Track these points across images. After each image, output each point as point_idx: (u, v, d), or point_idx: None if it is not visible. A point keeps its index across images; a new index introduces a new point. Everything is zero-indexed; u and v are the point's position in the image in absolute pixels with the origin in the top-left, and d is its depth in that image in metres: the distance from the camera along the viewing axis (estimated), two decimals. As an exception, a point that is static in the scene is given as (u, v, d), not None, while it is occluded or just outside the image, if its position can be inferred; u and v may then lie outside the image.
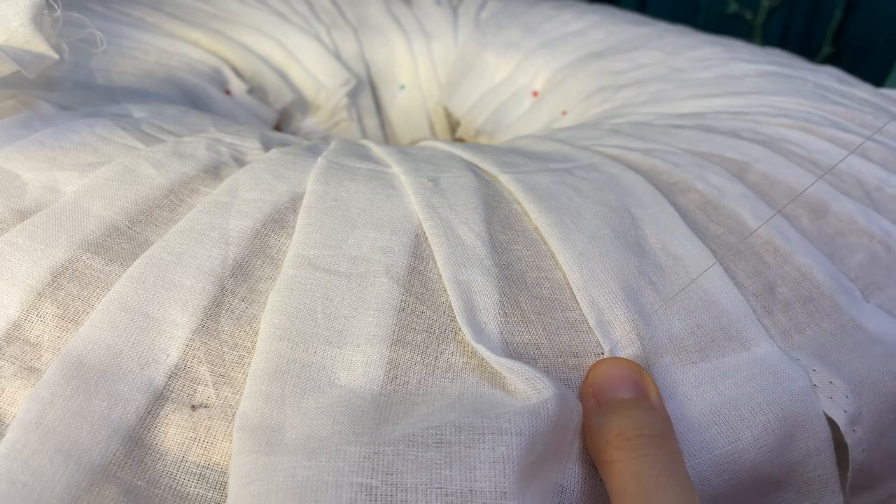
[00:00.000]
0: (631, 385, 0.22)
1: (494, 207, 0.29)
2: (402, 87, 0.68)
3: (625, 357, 0.23)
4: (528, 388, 0.20)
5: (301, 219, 0.27)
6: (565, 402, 0.20)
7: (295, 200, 0.28)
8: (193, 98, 0.51)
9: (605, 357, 0.23)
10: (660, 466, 0.20)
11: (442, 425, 0.18)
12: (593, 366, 0.23)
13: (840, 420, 0.24)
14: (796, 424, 0.23)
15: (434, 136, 0.69)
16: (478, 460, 0.17)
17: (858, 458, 0.24)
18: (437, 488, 0.17)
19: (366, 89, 0.66)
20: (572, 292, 0.25)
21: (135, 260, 0.24)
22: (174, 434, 0.20)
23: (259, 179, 0.29)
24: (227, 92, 0.56)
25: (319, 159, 0.31)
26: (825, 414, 0.24)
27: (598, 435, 0.21)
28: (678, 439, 0.22)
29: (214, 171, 0.30)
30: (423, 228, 0.27)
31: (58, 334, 0.22)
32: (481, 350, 0.22)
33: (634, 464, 0.20)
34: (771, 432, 0.23)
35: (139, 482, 0.19)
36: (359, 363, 0.22)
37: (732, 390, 0.24)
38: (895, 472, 0.26)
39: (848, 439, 0.24)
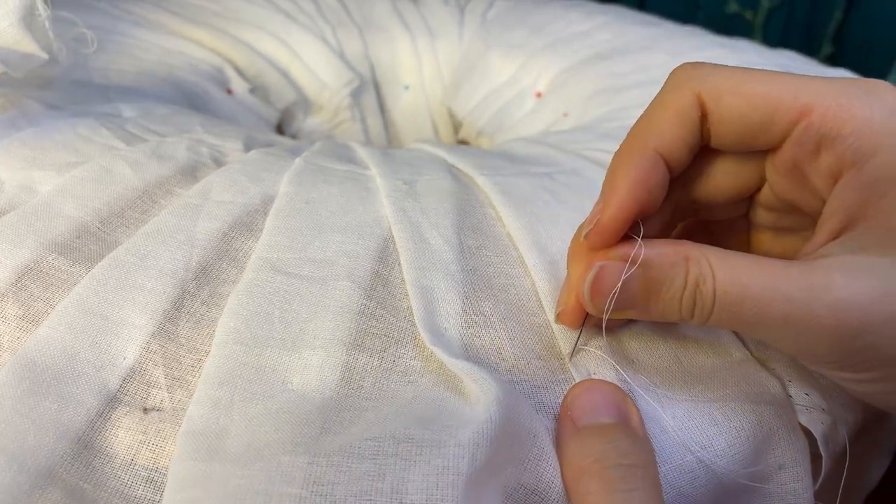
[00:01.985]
0: (613, 409, 0.21)
1: (468, 211, 0.28)
2: (407, 87, 0.68)
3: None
4: (477, 389, 0.20)
5: (269, 221, 0.27)
6: (512, 403, 0.20)
7: (266, 203, 0.28)
8: (193, 98, 0.51)
9: (584, 379, 0.22)
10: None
11: (381, 436, 0.18)
12: (571, 388, 0.22)
13: (817, 433, 0.23)
14: (771, 433, 0.23)
15: (437, 136, 0.68)
16: (412, 472, 0.17)
17: (827, 471, 0.24)
18: (366, 500, 0.16)
19: (369, 89, 0.66)
20: (539, 299, 0.25)
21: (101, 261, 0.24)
22: (124, 437, 0.21)
23: (233, 181, 0.29)
24: (229, 91, 0.56)
25: (297, 160, 0.31)
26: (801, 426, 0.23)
27: (574, 461, 0.20)
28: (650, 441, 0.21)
29: (191, 173, 0.30)
30: (392, 233, 0.27)
31: (18, 335, 0.22)
32: (438, 352, 0.21)
33: (610, 499, 0.18)
34: (745, 439, 0.22)
35: (85, 485, 0.19)
36: (313, 367, 0.22)
37: (705, 394, 0.23)
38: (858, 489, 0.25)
39: (823, 452, 0.23)
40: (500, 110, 0.61)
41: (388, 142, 0.67)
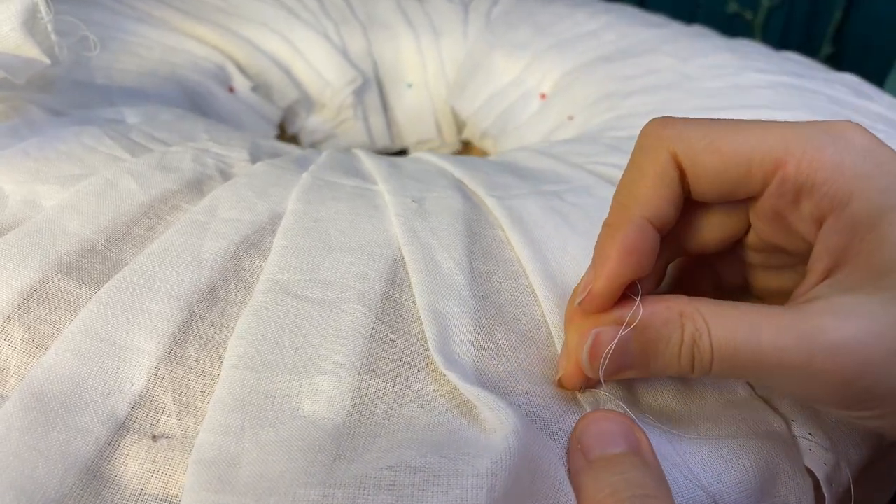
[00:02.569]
0: (622, 439, 0.20)
1: (478, 234, 0.28)
2: (410, 85, 0.67)
3: (610, 407, 0.23)
4: (493, 418, 0.20)
5: (278, 240, 0.26)
6: (530, 435, 0.19)
7: (274, 220, 0.28)
8: (195, 97, 0.51)
9: (591, 411, 0.22)
10: None
11: (397, 465, 0.18)
12: (579, 420, 0.22)
13: (820, 475, 0.23)
14: (777, 471, 0.23)
15: (441, 135, 0.68)
16: (429, 503, 0.17)
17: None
18: None
19: (373, 87, 0.65)
20: (549, 332, 0.25)
21: (107, 282, 0.24)
22: (134, 466, 0.20)
23: (240, 197, 0.28)
24: (231, 89, 0.55)
25: (304, 175, 0.31)
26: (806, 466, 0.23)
27: (589, 495, 0.19)
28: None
29: (197, 186, 0.30)
30: (402, 254, 0.26)
31: (24, 359, 0.22)
32: (452, 377, 0.21)
33: None
34: (753, 476, 0.22)
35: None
36: (324, 393, 0.21)
37: (713, 431, 0.23)
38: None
39: (826, 493, 0.23)
40: (504, 112, 0.61)
41: (392, 140, 0.66)
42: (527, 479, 0.19)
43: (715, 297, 0.21)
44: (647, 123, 0.23)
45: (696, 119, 0.22)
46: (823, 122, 0.21)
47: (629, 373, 0.22)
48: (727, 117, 0.40)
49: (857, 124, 0.20)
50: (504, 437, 0.18)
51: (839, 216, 0.20)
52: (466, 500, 0.17)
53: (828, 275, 0.20)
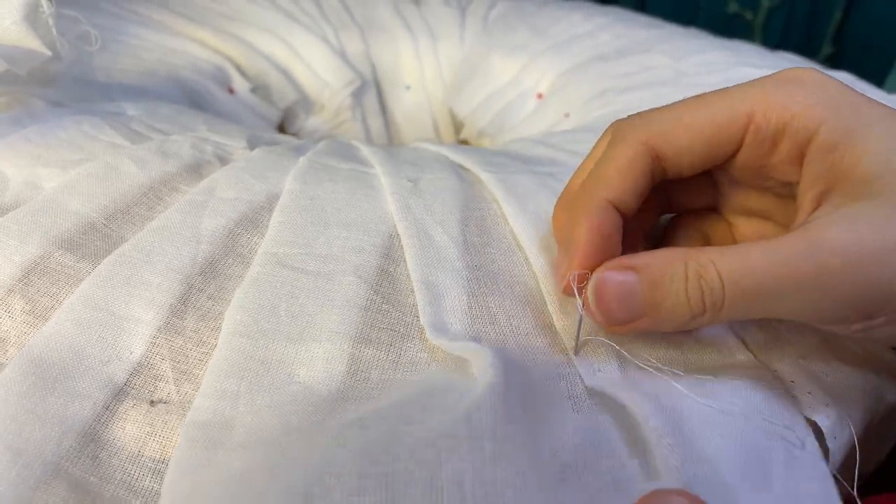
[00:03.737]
0: None
1: (472, 208, 0.28)
2: (408, 87, 0.68)
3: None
4: (479, 363, 0.20)
5: (275, 217, 0.27)
6: (512, 366, 0.20)
7: (271, 200, 0.28)
8: (195, 96, 0.51)
9: (656, 490, 0.22)
10: None
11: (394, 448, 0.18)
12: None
13: (824, 426, 0.23)
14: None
15: (438, 137, 0.68)
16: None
17: (836, 467, 0.24)
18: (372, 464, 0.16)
19: (371, 89, 0.66)
20: (543, 299, 0.25)
21: (107, 257, 0.24)
22: (131, 429, 0.21)
23: (238, 178, 0.29)
24: (231, 90, 0.56)
25: (301, 159, 0.31)
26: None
27: None
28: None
29: (196, 170, 0.30)
30: (396, 229, 0.27)
31: (25, 330, 0.22)
32: (441, 343, 0.21)
33: None
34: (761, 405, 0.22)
35: (91, 478, 0.19)
36: (319, 359, 0.22)
37: (714, 387, 0.23)
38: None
39: (830, 444, 0.23)
40: (501, 111, 0.61)
41: (390, 141, 0.67)
42: (521, 397, 0.19)
43: None
44: (616, 121, 0.24)
45: (662, 107, 0.23)
46: (777, 72, 0.22)
47: (641, 322, 0.22)
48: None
49: (806, 68, 0.22)
50: (483, 372, 0.19)
51: (815, 145, 0.21)
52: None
53: (819, 202, 0.21)
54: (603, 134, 0.25)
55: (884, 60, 0.83)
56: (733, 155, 0.23)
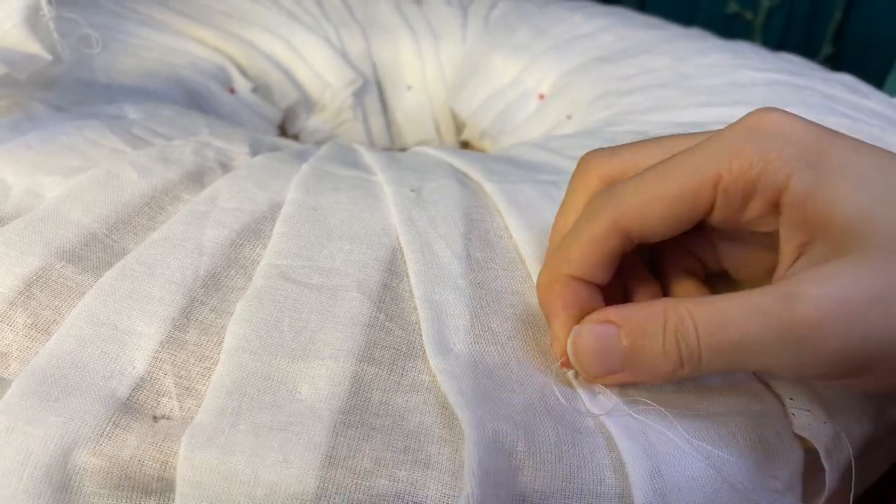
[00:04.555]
0: None
1: (476, 220, 0.28)
2: (409, 87, 0.68)
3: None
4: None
5: (278, 227, 0.27)
6: (490, 470, 0.19)
7: (274, 209, 0.28)
8: (196, 96, 0.51)
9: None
10: None
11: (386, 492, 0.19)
12: None
13: (819, 445, 0.23)
14: (774, 448, 0.23)
15: (440, 137, 0.68)
16: None
17: (833, 485, 0.24)
18: None
19: (372, 89, 0.65)
20: (545, 319, 0.25)
21: (109, 269, 0.24)
22: (133, 443, 0.20)
23: (240, 188, 0.29)
24: (231, 90, 0.56)
25: (304, 166, 0.31)
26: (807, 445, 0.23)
27: None
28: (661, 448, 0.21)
29: (198, 178, 0.30)
30: (400, 243, 0.27)
31: (27, 344, 0.22)
32: (440, 378, 0.21)
33: None
34: (749, 451, 0.22)
35: (101, 490, 0.19)
36: (322, 377, 0.22)
37: (709, 409, 0.23)
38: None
39: (826, 464, 0.23)
40: (502, 112, 0.61)
41: (391, 141, 0.67)
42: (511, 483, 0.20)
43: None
44: (582, 158, 0.25)
45: (631, 180, 0.23)
46: (742, 119, 0.22)
47: (621, 376, 0.22)
48: (724, 113, 0.40)
49: (769, 108, 0.22)
50: (468, 481, 0.19)
51: (786, 197, 0.20)
52: None
53: (800, 253, 0.21)
54: (574, 173, 0.25)
55: (884, 60, 0.82)
56: (707, 215, 0.22)
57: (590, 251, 0.23)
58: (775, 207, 0.21)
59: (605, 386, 0.23)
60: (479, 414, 0.20)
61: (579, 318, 0.22)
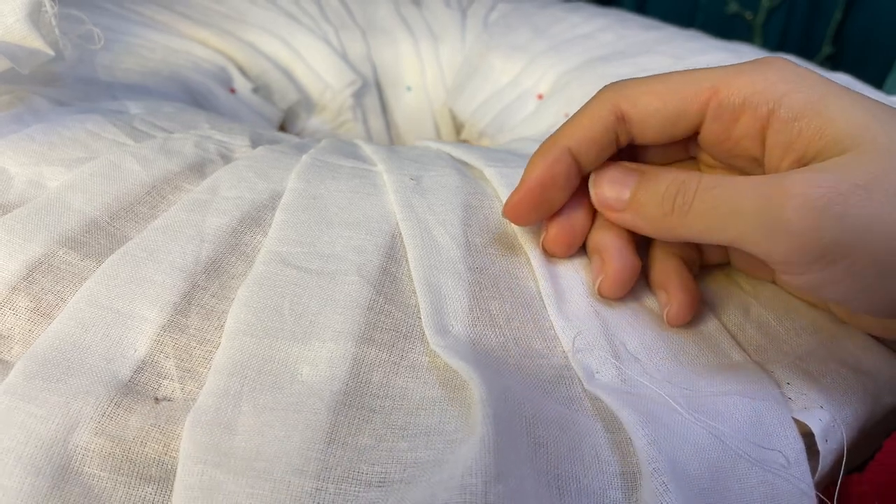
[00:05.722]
0: None
1: (475, 207, 0.29)
2: (409, 88, 0.68)
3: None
4: (477, 395, 0.20)
5: (278, 215, 0.27)
6: (503, 417, 0.19)
7: (274, 198, 0.28)
8: (197, 96, 0.51)
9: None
10: None
11: (388, 462, 0.19)
12: None
13: (816, 429, 0.23)
14: (772, 428, 0.23)
15: (439, 137, 0.68)
16: (413, 494, 0.17)
17: (826, 468, 0.24)
18: None
19: (372, 90, 0.66)
20: (543, 302, 0.25)
21: (111, 255, 0.24)
22: (135, 423, 0.21)
23: (241, 177, 0.29)
24: (232, 90, 0.56)
25: (304, 157, 0.31)
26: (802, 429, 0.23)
27: None
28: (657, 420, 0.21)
29: (199, 169, 0.30)
30: (399, 229, 0.27)
31: (29, 327, 0.22)
32: (440, 351, 0.21)
33: None
34: (747, 430, 0.22)
35: (102, 473, 0.19)
36: (323, 359, 0.22)
37: (707, 388, 0.23)
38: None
39: (821, 448, 0.23)
40: (501, 112, 0.61)
41: (391, 142, 0.67)
42: (522, 436, 0.20)
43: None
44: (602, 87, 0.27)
45: (640, 77, 0.25)
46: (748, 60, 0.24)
47: (624, 216, 0.24)
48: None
49: (779, 57, 0.23)
50: (482, 422, 0.19)
51: (777, 115, 0.22)
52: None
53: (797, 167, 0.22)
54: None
55: (884, 60, 0.83)
56: (697, 130, 0.24)
57: (587, 125, 0.25)
58: (762, 129, 0.23)
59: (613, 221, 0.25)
60: (487, 374, 0.20)
61: (547, 182, 0.25)
